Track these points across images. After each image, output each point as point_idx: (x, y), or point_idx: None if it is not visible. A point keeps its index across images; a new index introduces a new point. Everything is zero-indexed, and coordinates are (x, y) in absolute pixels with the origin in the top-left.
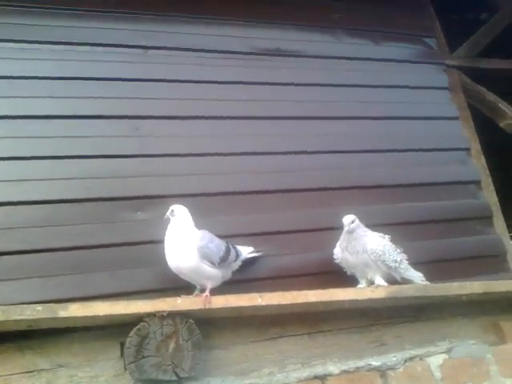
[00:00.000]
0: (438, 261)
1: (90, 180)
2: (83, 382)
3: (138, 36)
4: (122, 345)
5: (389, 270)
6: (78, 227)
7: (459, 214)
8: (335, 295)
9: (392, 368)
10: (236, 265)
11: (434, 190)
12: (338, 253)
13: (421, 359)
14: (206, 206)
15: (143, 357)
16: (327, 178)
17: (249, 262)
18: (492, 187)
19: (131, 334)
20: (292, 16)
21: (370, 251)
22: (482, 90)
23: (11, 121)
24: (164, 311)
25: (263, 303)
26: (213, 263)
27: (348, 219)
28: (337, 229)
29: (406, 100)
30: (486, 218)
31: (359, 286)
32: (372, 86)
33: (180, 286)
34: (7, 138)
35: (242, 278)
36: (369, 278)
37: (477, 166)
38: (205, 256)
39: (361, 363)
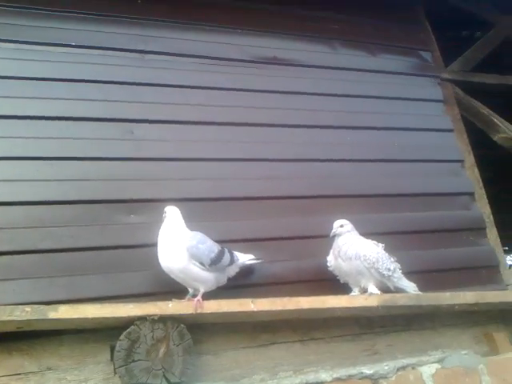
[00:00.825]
0: (431, 271)
1: (83, 182)
2: None
3: (135, 40)
4: (112, 348)
5: (382, 279)
6: (70, 229)
7: (453, 224)
8: (328, 302)
9: (384, 377)
10: (232, 270)
11: (427, 200)
12: (332, 260)
13: (413, 368)
14: (200, 210)
15: (133, 361)
16: (321, 186)
17: (246, 270)
18: (485, 199)
19: (121, 337)
20: (290, 26)
21: (363, 257)
22: (476, 103)
23: (4, 121)
24: (155, 315)
25: (255, 309)
26: (203, 264)
27: (337, 223)
28: (328, 236)
29: (401, 111)
30: (480, 230)
31: (352, 293)
32: (368, 97)
33: (172, 290)
34: (3, 137)
35: (234, 284)
36: (362, 286)
37: (470, 178)
38: (194, 256)
39: (353, 371)
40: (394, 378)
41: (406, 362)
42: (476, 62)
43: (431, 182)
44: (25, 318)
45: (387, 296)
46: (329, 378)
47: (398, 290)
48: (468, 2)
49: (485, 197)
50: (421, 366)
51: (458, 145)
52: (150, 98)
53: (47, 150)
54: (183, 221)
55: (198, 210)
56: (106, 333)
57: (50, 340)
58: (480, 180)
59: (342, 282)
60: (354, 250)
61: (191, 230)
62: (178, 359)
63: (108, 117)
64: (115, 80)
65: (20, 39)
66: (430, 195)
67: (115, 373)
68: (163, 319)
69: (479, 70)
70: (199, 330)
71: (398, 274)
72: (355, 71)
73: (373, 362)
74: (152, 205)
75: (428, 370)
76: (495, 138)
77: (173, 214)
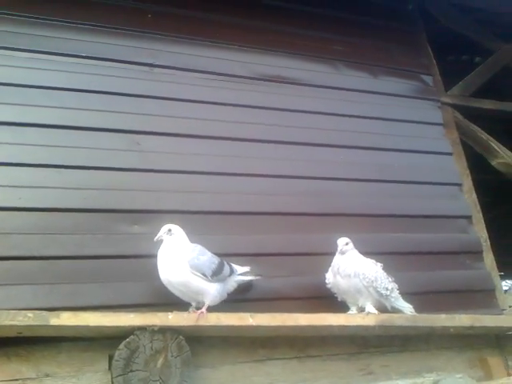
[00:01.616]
0: (427, 292)
1: (88, 191)
2: None
3: (145, 53)
4: (111, 357)
5: (380, 298)
6: (73, 237)
7: (450, 247)
8: (325, 320)
9: None
10: (231, 285)
11: (425, 222)
12: (330, 277)
13: None
14: (201, 223)
15: (131, 370)
16: (321, 204)
17: (245, 285)
18: (483, 223)
19: (121, 346)
20: (294, 45)
21: (362, 276)
22: (475, 128)
23: (12, 127)
24: (155, 325)
25: (254, 323)
26: (205, 275)
27: (342, 241)
28: (329, 254)
29: (401, 133)
30: (476, 253)
31: (350, 312)
32: (369, 118)
33: (172, 302)
34: (8, 144)
35: (233, 298)
36: (360, 304)
37: (468, 201)
38: (195, 267)
39: None
40: None
41: (400, 383)
42: (476, 88)
43: (429, 204)
44: (27, 324)
45: (385, 316)
46: None
47: (395, 310)
48: (469, 29)
49: (482, 221)
50: None
51: (457, 168)
52: (157, 110)
53: (54, 157)
54: (186, 237)
55: (199, 222)
56: (104, 342)
57: (48, 347)
58: (477, 204)
59: (339, 299)
60: (353, 268)
61: (192, 242)
62: (175, 371)
63: (115, 128)
64: (123, 92)
65: (32, 48)
66: (428, 217)
67: (112, 382)
68: (163, 330)
69: (479, 95)
70: (197, 342)
71: (396, 294)
72: (357, 92)
73: (367, 382)
74: (155, 216)
75: None
76: (493, 163)
77: (179, 233)
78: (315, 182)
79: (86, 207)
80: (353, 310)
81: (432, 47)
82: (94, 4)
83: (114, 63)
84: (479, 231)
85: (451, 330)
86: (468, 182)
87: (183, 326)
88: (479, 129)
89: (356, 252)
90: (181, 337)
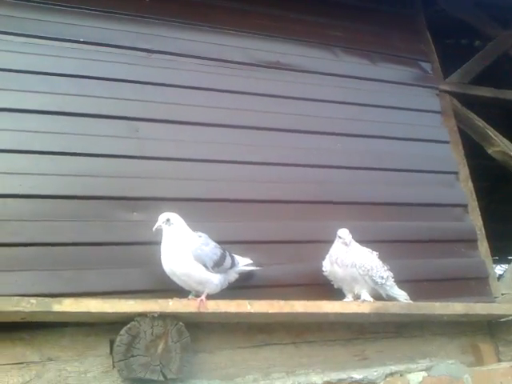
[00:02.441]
0: (422, 280)
1: (88, 178)
2: (72, 376)
3: (143, 39)
4: (112, 342)
5: (375, 286)
6: (74, 224)
7: (445, 235)
8: (322, 307)
9: (373, 382)
10: (232, 276)
11: (421, 210)
12: (327, 265)
13: (401, 375)
14: (200, 210)
15: (132, 355)
16: (319, 192)
17: (245, 276)
18: (478, 211)
19: (122, 332)
20: (293, 31)
21: (358, 265)
22: (472, 116)
23: (13, 114)
24: (155, 312)
25: (252, 310)
26: (206, 266)
27: (345, 232)
28: (325, 242)
29: (399, 121)
30: (471, 242)
31: (345, 299)
32: (366, 105)
33: (172, 288)
34: (6, 130)
35: (232, 285)
36: (355, 292)
37: (464, 189)
38: (198, 258)
39: (343, 375)
40: None
41: (394, 368)
42: (474, 75)
43: (426, 193)
44: (30, 310)
45: (379, 304)
46: (319, 381)
47: (390, 298)
48: (468, 14)
49: (477, 209)
50: (409, 373)
51: (454, 156)
52: (155, 97)
53: (53, 144)
54: (186, 225)
55: (198, 210)
56: (106, 327)
57: (52, 331)
58: (473, 192)
59: (335, 287)
60: (351, 258)
61: (193, 230)
62: (175, 356)
63: (113, 114)
64: (121, 78)
65: (28, 33)
66: (424, 205)
67: (114, 366)
68: (163, 316)
69: (477, 82)
70: (196, 328)
71: (391, 282)
72: (356, 79)
73: (362, 368)
74: (154, 203)
75: (415, 378)
76: (489, 151)
77: (178, 222)
78: (312, 170)
79: (86, 194)
80: (348, 298)
81: (431, 31)
82: None
83: (112, 49)
84: (474, 219)
85: (445, 317)
86: (465, 171)
87: (183, 313)
88: (476, 117)
89: (354, 242)
90: (180, 323)
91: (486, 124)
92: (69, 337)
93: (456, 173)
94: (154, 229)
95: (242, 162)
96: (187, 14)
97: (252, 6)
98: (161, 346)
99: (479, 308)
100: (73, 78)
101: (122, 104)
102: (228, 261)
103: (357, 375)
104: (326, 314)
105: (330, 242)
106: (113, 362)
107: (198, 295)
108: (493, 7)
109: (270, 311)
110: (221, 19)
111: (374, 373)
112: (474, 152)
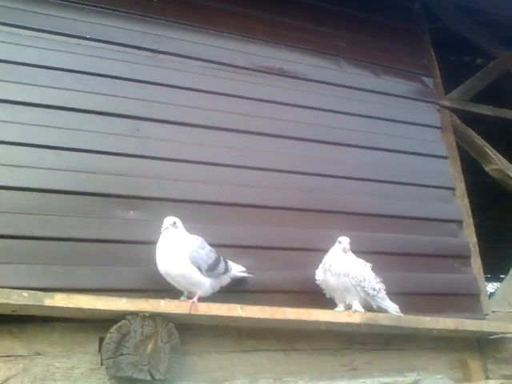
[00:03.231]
0: (414, 294)
1: (86, 174)
2: (59, 372)
3: (149, 39)
4: (101, 340)
5: (367, 297)
6: (69, 219)
7: (439, 250)
8: (313, 315)
9: None
10: (225, 280)
11: (416, 224)
12: (320, 274)
13: None
14: (196, 212)
15: (121, 354)
16: (315, 200)
17: (238, 280)
18: (473, 228)
19: (112, 330)
20: (298, 39)
21: (351, 275)
22: (472, 133)
23: (13, 106)
24: (146, 311)
25: (243, 315)
26: (200, 269)
27: (346, 239)
28: (319, 251)
29: (399, 134)
30: (464, 258)
31: (337, 309)
32: (367, 117)
33: (164, 288)
34: (7, 122)
35: (223, 289)
36: (347, 302)
37: (460, 205)
38: (193, 260)
39: None
40: None
41: (382, 380)
42: (475, 92)
43: (422, 207)
44: (21, 303)
45: (370, 315)
46: None
47: (381, 310)
48: (472, 31)
49: (472, 226)
50: None
51: (451, 172)
52: (158, 97)
53: (53, 139)
54: (184, 228)
55: (194, 211)
56: (95, 324)
57: (41, 326)
58: (469, 209)
59: (327, 296)
60: (344, 267)
61: (188, 231)
62: (164, 357)
63: (115, 112)
64: (126, 76)
65: (36, 27)
66: (419, 219)
67: (102, 364)
68: (154, 316)
69: (477, 100)
70: (186, 330)
71: (383, 294)
72: (358, 90)
73: (350, 378)
74: (151, 203)
75: None
76: (487, 169)
77: (178, 224)
78: (310, 178)
79: (83, 190)
80: (340, 307)
81: (434, 47)
82: None
83: (118, 47)
84: (469, 236)
85: (435, 332)
86: (461, 187)
87: (174, 314)
88: (475, 134)
89: (350, 252)
90: (171, 324)
91: (484, 141)
92: (58, 332)
93: (453, 188)
94: (162, 230)
95: (241, 166)
96: (194, 17)
97: (258, 12)
98: (150, 346)
99: (469, 324)
100: (77, 74)
101: (125, 102)
102: (222, 266)
103: None
104: (317, 323)
105: (324, 250)
106: (101, 360)
107: (190, 297)
108: (496, 26)
109: (261, 316)
110: (227, 24)
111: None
112: (471, 168)
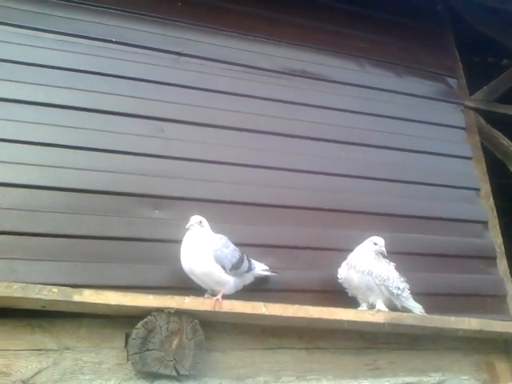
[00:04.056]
0: (439, 294)
1: (113, 174)
2: (87, 366)
3: (173, 42)
4: (127, 336)
5: (391, 297)
6: (97, 218)
7: (464, 251)
8: (336, 314)
9: None
10: (248, 279)
11: (441, 224)
12: (343, 272)
13: None
14: (220, 212)
15: (147, 349)
16: (340, 200)
17: (261, 279)
18: (498, 229)
19: (138, 325)
20: (320, 41)
21: (375, 274)
22: (497, 133)
23: (41, 108)
24: (172, 308)
25: (267, 313)
26: (224, 268)
27: (382, 241)
28: (343, 250)
29: (423, 135)
30: (490, 259)
31: (360, 308)
32: (391, 118)
33: (189, 286)
34: (36, 123)
35: (247, 287)
36: (370, 301)
37: (485, 206)
38: (218, 259)
39: (354, 383)
40: None
41: (406, 380)
42: (500, 93)
43: (446, 208)
44: (51, 298)
45: (394, 314)
46: None
47: (405, 310)
48: (496, 31)
49: (498, 226)
50: None
51: (476, 173)
52: (182, 99)
53: (81, 140)
54: (209, 228)
55: (218, 211)
56: (121, 320)
57: (70, 321)
58: (494, 209)
59: (350, 295)
60: (368, 265)
61: (212, 230)
62: (189, 353)
63: (140, 114)
64: (150, 79)
65: (61, 31)
66: (444, 220)
67: (128, 359)
68: (179, 313)
69: (502, 100)
70: (210, 327)
71: (407, 293)
72: (381, 91)
73: (374, 377)
74: (176, 202)
75: None
76: None
77: (203, 223)
78: (334, 179)
79: (110, 190)
80: (363, 307)
81: (458, 47)
82: None
83: (143, 50)
84: (494, 237)
85: (460, 332)
86: (486, 187)
87: (199, 311)
88: (501, 134)
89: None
90: (196, 320)
91: (510, 142)
92: (86, 328)
93: (477, 189)
94: (187, 226)
95: (265, 166)
96: (217, 20)
97: (281, 14)
98: (175, 342)
99: (496, 325)
100: (102, 77)
101: (149, 104)
102: (245, 265)
103: None
104: (340, 322)
105: (348, 250)
106: (127, 355)
107: (214, 294)
108: None
109: (283, 314)
110: (250, 26)
111: (385, 383)
112: (497, 170)
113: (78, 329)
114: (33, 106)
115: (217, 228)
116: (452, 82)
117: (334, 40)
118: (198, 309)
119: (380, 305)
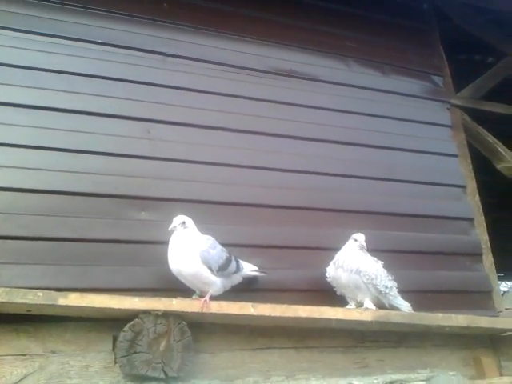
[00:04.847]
0: (426, 291)
1: (99, 176)
2: (74, 370)
3: (159, 43)
4: (115, 338)
5: (378, 295)
6: (82, 220)
7: (450, 248)
8: (324, 313)
9: None
10: (236, 279)
11: (427, 222)
12: (331, 271)
13: None
14: (207, 212)
15: (135, 352)
16: (327, 200)
17: (250, 279)
18: (484, 226)
19: (125, 328)
20: (307, 41)
21: (363, 273)
22: (483, 131)
23: (28, 110)
24: (159, 310)
25: (255, 313)
26: (211, 269)
27: (362, 236)
28: (330, 249)
29: (409, 133)
30: (476, 255)
31: (348, 306)
32: (378, 116)
33: (176, 288)
34: (22, 126)
35: (235, 287)
36: (358, 300)
37: (471, 203)
38: (205, 260)
39: (343, 382)
40: None
41: (395, 377)
42: (485, 91)
43: (433, 205)
44: (36, 302)
45: (382, 312)
46: None
47: (393, 308)
48: (482, 30)
49: (484, 223)
50: (409, 382)
51: (462, 170)
52: (169, 99)
53: (67, 141)
54: (196, 228)
55: (206, 212)
56: (108, 323)
57: (55, 325)
58: (480, 206)
59: (338, 293)
60: (356, 264)
61: (200, 231)
62: (177, 355)
63: (126, 115)
64: (136, 79)
65: (49, 32)
66: (430, 217)
67: (116, 362)
68: (166, 315)
69: (488, 98)
70: (198, 328)
71: (394, 292)
72: (367, 90)
73: (363, 375)
74: (162, 203)
75: None
76: (498, 167)
77: (192, 225)
78: (321, 178)
79: (96, 191)
80: (351, 305)
81: (444, 46)
82: None
83: (129, 51)
84: (480, 234)
85: (447, 329)
86: (472, 185)
87: (186, 312)
88: (486, 132)
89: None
90: (183, 322)
91: (495, 139)
92: (72, 331)
93: (463, 186)
94: (169, 228)
95: (253, 167)
96: (204, 20)
97: (268, 14)
98: (163, 344)
99: (482, 321)
100: (89, 78)
101: (136, 105)
102: (233, 265)
103: (357, 382)
104: (329, 320)
105: (335, 249)
106: (115, 358)
107: (202, 295)
108: (506, 24)
109: (272, 314)
110: (236, 26)
111: (374, 381)
112: (483, 167)
113: (64, 332)
114: (14, 108)
115: (204, 229)
116: (438, 80)
117: (321, 39)
118: (185, 310)
119: (368, 303)
